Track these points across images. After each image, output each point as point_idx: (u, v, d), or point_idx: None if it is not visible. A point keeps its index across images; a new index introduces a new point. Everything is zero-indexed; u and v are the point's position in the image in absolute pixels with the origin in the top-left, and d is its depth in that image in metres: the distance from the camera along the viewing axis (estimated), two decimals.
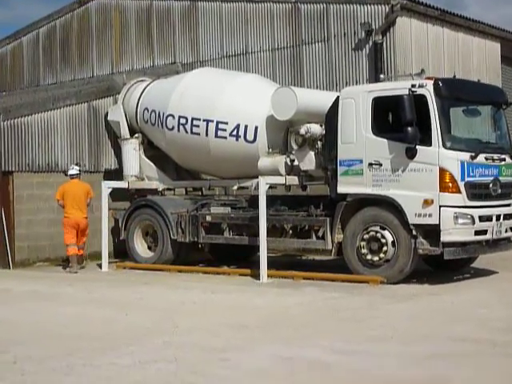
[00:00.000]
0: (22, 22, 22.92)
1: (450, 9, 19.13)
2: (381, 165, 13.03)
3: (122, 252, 17.44)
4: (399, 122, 12.69)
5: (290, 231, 14.58)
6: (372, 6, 17.84)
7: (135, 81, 17.91)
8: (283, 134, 15.03)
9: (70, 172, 16.71)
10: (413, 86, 12.71)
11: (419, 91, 12.67)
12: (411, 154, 12.68)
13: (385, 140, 13.00)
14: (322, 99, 15.02)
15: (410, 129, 12.50)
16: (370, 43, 17.83)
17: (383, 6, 17.69)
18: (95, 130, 18.64)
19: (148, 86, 17.39)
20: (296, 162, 14.74)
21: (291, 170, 14.72)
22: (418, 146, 12.59)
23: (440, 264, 14.00)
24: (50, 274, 15.76)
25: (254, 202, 15.45)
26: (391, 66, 17.51)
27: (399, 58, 17.61)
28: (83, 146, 18.44)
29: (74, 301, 12.10)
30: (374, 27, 17.73)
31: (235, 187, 15.79)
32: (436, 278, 13.47)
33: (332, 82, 18.27)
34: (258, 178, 14.94)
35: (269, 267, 14.05)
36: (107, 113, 18.27)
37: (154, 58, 21.70)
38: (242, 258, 16.99)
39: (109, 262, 16.53)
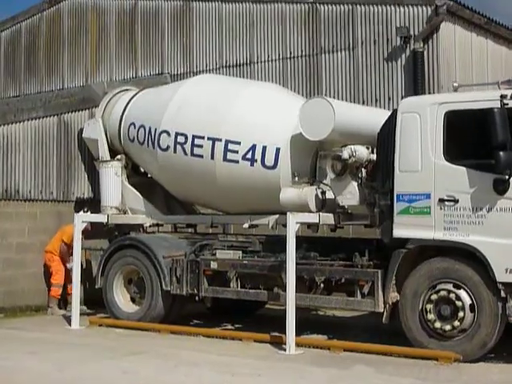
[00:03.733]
0: None
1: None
2: (456, 201, 9.75)
3: (94, 300, 13.95)
4: (485, 144, 9.43)
5: (321, 285, 11.19)
6: (410, 8, 14.70)
7: (118, 90, 14.44)
8: (311, 159, 11.73)
9: None
10: (503, 96, 9.47)
11: None
12: (502, 187, 9.43)
13: (463, 168, 9.72)
14: (364, 115, 11.88)
15: (501, 153, 9.26)
16: (408, 52, 14.64)
17: (424, 8, 14.56)
18: (66, 149, 15.46)
19: (135, 96, 13.97)
20: (328, 195, 11.40)
21: (323, 204, 11.37)
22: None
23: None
24: (4, 333, 12.16)
25: (270, 244, 12.17)
26: (434, 80, 14.36)
27: (443, 70, 14.45)
28: (50, 169, 15.29)
29: None
30: (412, 33, 14.56)
31: (246, 225, 12.36)
32: None
33: (358, 99, 15.00)
34: (275, 214, 11.77)
35: (279, 326, 10.84)
36: (82, 129, 14.73)
37: (138, 68, 18.28)
38: (244, 312, 13.64)
39: (79, 314, 12.99)
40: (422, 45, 14.39)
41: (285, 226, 11.58)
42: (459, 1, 14.89)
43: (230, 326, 12.81)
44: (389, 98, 14.75)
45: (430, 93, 14.09)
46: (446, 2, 14.27)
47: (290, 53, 16.06)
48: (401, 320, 10.17)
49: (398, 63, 14.77)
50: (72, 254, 13.42)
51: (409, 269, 10.16)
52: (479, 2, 15.35)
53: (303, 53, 15.90)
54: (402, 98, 14.36)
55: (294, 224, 10.66)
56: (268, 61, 16.35)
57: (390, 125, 10.42)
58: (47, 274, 14.49)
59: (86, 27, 19.23)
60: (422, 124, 10.06)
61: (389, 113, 11.61)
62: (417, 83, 14.32)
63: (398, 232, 10.17)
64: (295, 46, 16.02)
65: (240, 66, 16.67)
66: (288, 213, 10.73)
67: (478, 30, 15.76)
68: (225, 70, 16.82)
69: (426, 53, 14.41)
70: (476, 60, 15.68)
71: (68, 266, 14.07)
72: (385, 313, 10.30)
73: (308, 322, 12.32)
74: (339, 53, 15.46)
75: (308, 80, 15.81)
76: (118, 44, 18.65)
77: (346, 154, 10.74)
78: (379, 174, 10.58)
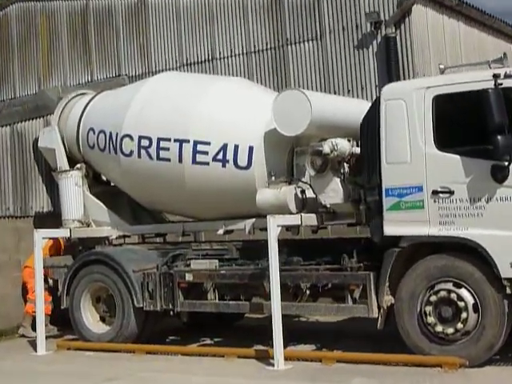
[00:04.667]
0: None
1: None
2: (452, 192, 8.96)
3: (60, 319, 13.01)
4: (480, 128, 8.64)
5: (307, 292, 10.35)
6: None
7: (74, 94, 13.46)
8: (287, 156, 10.90)
9: None
10: (496, 76, 8.69)
11: (506, 83, 8.67)
12: (501, 175, 8.65)
13: (457, 156, 8.93)
14: (341, 106, 11.10)
15: (499, 137, 8.49)
16: (379, 38, 13.85)
17: None
18: (21, 161, 14.53)
19: (93, 99, 13.00)
20: (308, 194, 10.56)
21: (304, 205, 10.51)
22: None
23: None
24: None
25: (248, 250, 11.30)
26: (408, 66, 13.59)
27: (417, 55, 13.69)
28: (5, 183, 14.36)
29: None
30: (382, 18, 13.78)
31: (220, 231, 11.47)
32: None
33: (329, 90, 14.15)
34: (251, 217, 10.95)
35: (261, 337, 10.19)
36: (37, 138, 13.74)
37: (93, 71, 17.23)
38: (222, 324, 12.75)
39: (45, 337, 11.99)
40: (393, 30, 13.61)
41: (262, 229, 10.86)
42: None
43: (208, 341, 11.93)
44: (362, 88, 13.96)
45: (404, 79, 13.33)
46: None
47: (254, 46, 15.17)
48: (398, 325, 9.35)
49: (369, 50, 13.98)
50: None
51: (403, 269, 9.35)
52: None
53: (268, 45, 15.02)
54: (376, 86, 13.74)
55: (275, 227, 9.80)
56: (231, 56, 15.44)
57: (373, 114, 9.61)
58: (24, 291, 13.48)
59: (36, 31, 18.10)
60: (408, 111, 9.26)
61: (367, 102, 10.90)
62: (390, 70, 13.54)
63: (389, 229, 9.35)
64: (259, 39, 15.12)
65: (202, 63, 15.75)
66: (268, 216, 9.86)
67: (450, 12, 15.04)
68: (186, 68, 15.90)
69: (398, 38, 13.64)
70: (449, 43, 14.96)
71: (50, 281, 13.03)
72: (379, 318, 9.46)
73: (292, 331, 11.37)
74: (306, 43, 14.60)
75: (275, 74, 14.93)
76: (71, 47, 17.57)
77: (326, 148, 9.87)
78: (364, 168, 9.76)
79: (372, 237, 9.64)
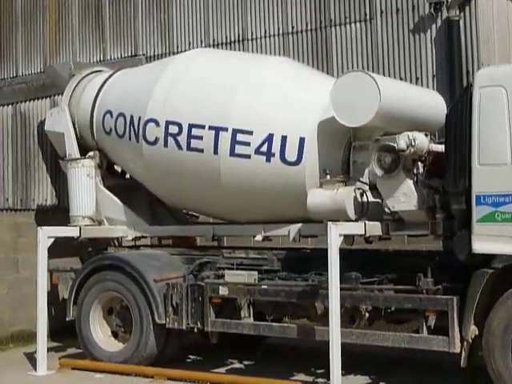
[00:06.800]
0: None
1: None
2: None
3: (63, 330, 11.29)
4: None
5: (367, 315, 8.65)
6: None
7: (89, 71, 11.84)
8: (343, 151, 9.23)
9: None
10: None
11: None
12: None
13: None
14: (412, 95, 9.39)
15: None
16: (439, 22, 12.15)
17: None
18: (23, 145, 13.31)
19: (110, 77, 11.35)
20: (370, 197, 8.86)
21: (365, 210, 8.80)
22: None
23: None
24: None
25: (291, 262, 9.64)
26: (472, 55, 11.87)
27: (483, 43, 11.98)
28: (5, 171, 13.15)
29: None
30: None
31: (259, 237, 9.80)
32: None
33: None
34: (295, 222, 9.35)
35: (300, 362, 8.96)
36: (43, 120, 12.27)
37: (106, 50, 15.50)
38: (252, 342, 11.04)
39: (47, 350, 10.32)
40: (457, 13, 11.91)
41: (306, 237, 9.46)
42: None
43: (237, 364, 10.25)
44: (417, 78, 12.22)
45: (467, 70, 11.69)
46: None
47: (293, 27, 13.42)
48: (486, 363, 7.66)
49: (426, 35, 12.24)
50: None
51: (493, 295, 7.67)
52: None
53: (308, 26, 13.26)
54: (434, 77, 12.08)
55: (336, 237, 8.12)
56: (265, 37, 13.69)
57: (462, 104, 7.92)
58: None
59: (44, 3, 16.42)
60: (510, 101, 7.57)
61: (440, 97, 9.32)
62: (452, 58, 11.85)
63: (480, 246, 7.66)
64: (298, 19, 13.35)
65: (231, 43, 13.99)
66: (329, 223, 8.15)
67: None
68: (212, 49, 14.19)
69: (462, 22, 11.95)
70: None
71: None
72: (463, 353, 7.78)
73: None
74: (353, 25, 12.85)
75: (315, 59, 13.17)
76: (82, 22, 15.84)
77: (402, 143, 8.16)
78: (449, 170, 8.06)
79: (456, 253, 7.92)
